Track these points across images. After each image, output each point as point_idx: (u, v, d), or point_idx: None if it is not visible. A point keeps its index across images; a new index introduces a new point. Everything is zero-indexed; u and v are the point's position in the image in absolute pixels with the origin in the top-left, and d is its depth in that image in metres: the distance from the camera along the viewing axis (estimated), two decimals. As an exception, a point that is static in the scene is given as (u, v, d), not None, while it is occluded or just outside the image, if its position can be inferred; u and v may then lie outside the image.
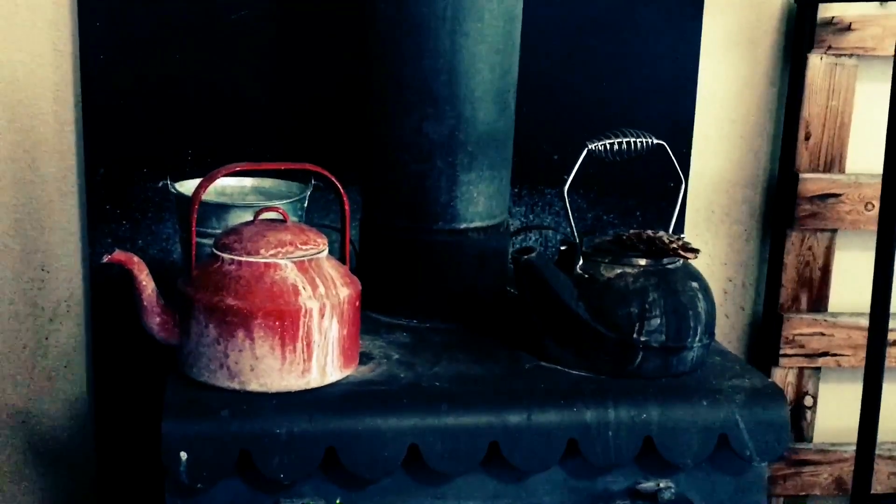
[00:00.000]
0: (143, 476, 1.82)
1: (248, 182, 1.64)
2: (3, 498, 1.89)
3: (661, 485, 1.30)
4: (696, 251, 1.34)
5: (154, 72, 1.74)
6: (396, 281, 1.52)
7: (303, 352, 1.24)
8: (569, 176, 1.34)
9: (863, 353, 1.75)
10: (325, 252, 1.30)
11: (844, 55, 1.90)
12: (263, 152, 1.76)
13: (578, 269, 1.35)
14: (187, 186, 1.55)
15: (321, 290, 1.25)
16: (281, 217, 1.32)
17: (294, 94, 1.78)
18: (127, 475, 1.84)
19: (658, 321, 1.31)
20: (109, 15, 1.70)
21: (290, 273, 1.25)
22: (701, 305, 1.34)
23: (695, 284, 1.36)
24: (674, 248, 1.34)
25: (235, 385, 1.24)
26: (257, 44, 1.76)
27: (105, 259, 1.24)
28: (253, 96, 1.77)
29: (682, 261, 1.37)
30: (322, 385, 1.27)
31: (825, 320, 1.98)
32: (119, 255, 1.26)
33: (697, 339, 1.33)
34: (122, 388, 1.82)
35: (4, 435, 1.87)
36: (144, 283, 1.27)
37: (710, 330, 1.36)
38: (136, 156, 1.75)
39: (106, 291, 1.80)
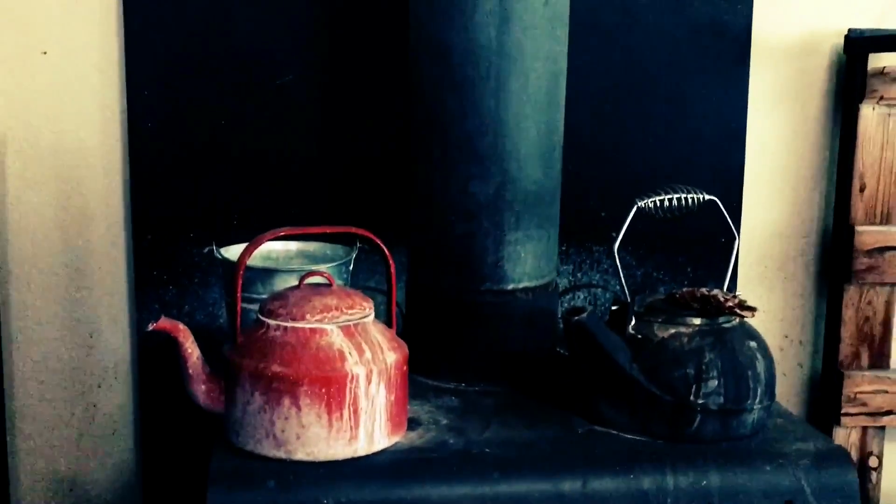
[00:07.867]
0: (189, 545, 1.80)
1: (293, 246, 1.63)
2: (50, 568, 1.88)
3: (725, 555, 1.25)
4: (753, 309, 1.31)
5: (200, 138, 1.75)
6: (444, 343, 1.50)
7: (350, 419, 1.21)
8: (619, 234, 1.32)
9: (930, 412, 1.69)
10: (372, 316, 1.28)
11: (897, 105, 1.86)
12: (308, 215, 1.75)
13: (631, 330, 1.32)
14: (233, 252, 1.54)
15: (368, 355, 1.23)
16: (326, 281, 1.30)
17: (339, 157, 1.78)
18: (174, 544, 1.82)
19: (715, 382, 1.27)
20: (157, 82, 1.72)
21: (337, 338, 1.23)
22: (760, 365, 1.30)
23: (753, 344, 1.32)
24: (730, 306, 1.30)
25: (282, 454, 1.21)
26: (302, 108, 1.76)
27: (150, 327, 1.23)
28: (298, 160, 1.77)
29: (738, 319, 1.33)
30: (370, 453, 1.24)
31: (888, 377, 1.91)
32: (164, 322, 1.25)
33: (758, 400, 1.29)
34: (170, 456, 1.80)
35: (52, 502, 1.85)
36: (190, 350, 1.26)
37: (770, 391, 1.32)
38: (183, 221, 1.76)
39: (153, 357, 1.79)
